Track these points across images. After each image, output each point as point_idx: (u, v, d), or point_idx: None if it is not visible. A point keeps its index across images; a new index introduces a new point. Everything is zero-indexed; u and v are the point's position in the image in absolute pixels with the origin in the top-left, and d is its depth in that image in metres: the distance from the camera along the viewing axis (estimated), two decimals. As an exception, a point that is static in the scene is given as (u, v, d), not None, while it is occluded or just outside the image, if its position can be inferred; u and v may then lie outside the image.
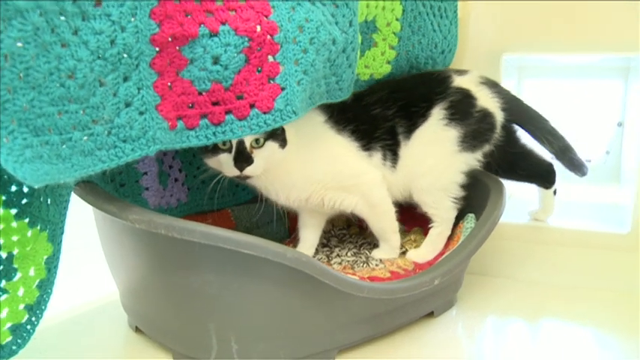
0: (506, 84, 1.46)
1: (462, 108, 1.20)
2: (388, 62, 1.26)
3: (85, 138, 0.74)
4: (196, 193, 1.29)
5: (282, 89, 0.91)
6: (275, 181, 1.11)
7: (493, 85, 1.25)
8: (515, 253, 1.41)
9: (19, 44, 0.65)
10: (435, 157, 1.20)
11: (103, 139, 0.76)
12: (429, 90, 1.22)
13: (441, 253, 1.22)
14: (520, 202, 1.50)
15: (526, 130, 1.27)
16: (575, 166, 1.25)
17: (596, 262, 1.34)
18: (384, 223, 1.21)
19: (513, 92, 1.36)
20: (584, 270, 1.35)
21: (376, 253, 1.24)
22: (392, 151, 1.19)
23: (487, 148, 1.23)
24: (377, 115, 1.18)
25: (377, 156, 1.18)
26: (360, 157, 1.16)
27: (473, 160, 1.22)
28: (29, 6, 0.65)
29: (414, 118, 1.19)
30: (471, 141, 1.20)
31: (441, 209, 1.23)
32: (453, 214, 1.24)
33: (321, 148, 1.13)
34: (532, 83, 1.61)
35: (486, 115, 1.21)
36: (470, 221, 1.22)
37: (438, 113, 1.19)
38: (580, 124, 1.59)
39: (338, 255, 1.24)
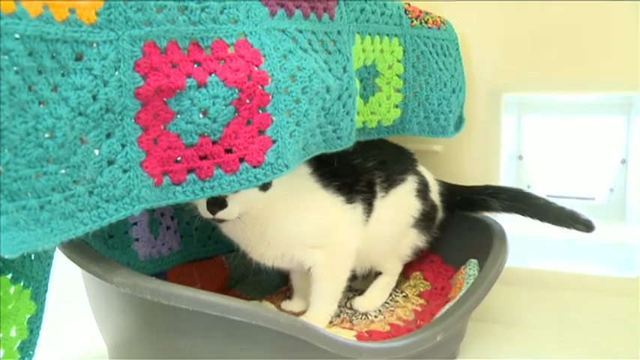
0: (507, 120, 1.44)
1: (424, 190, 1.26)
2: (396, 106, 1.23)
3: (65, 200, 0.70)
4: (189, 241, 1.24)
5: (273, 142, 0.87)
6: (252, 234, 1.07)
7: (442, 185, 1.32)
8: (520, 298, 1.36)
9: (-7, 105, 0.61)
10: (398, 224, 1.22)
11: (85, 199, 0.72)
12: (403, 157, 1.28)
13: (445, 301, 1.17)
14: (523, 242, 1.46)
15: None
16: None
17: (605, 307, 1.30)
18: (328, 289, 1.13)
19: (514, 128, 1.36)
20: (592, 316, 1.31)
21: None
22: (368, 204, 1.17)
23: (428, 237, 1.28)
24: (358, 166, 1.17)
25: (359, 208, 1.15)
26: (343, 212, 1.13)
27: (419, 239, 1.26)
28: (4, 64, 0.61)
29: (393, 175, 1.21)
30: (424, 220, 1.24)
31: (392, 265, 1.27)
32: (401, 267, 1.29)
33: (304, 201, 1.09)
34: (532, 119, 1.59)
35: (434, 207, 1.28)
36: (472, 268, 1.18)
37: (412, 181, 1.24)
38: (583, 161, 1.57)
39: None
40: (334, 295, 1.13)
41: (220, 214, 0.96)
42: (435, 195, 1.29)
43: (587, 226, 1.20)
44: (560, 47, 1.33)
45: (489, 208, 1.27)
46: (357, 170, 1.16)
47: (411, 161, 1.28)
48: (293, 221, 1.08)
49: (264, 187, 0.98)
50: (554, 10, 1.33)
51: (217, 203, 0.95)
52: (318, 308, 1.11)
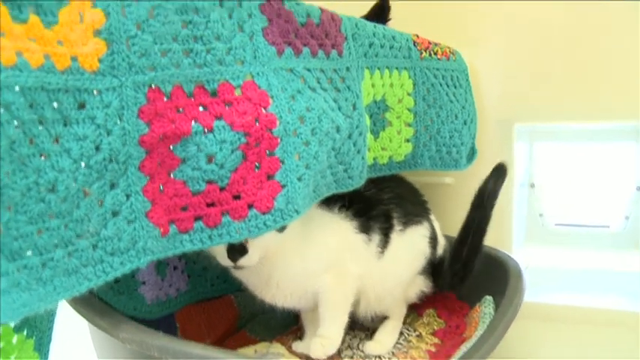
0: (518, 148, 1.42)
1: (434, 239, 1.23)
2: (407, 140, 1.20)
3: (69, 255, 0.67)
4: (197, 281, 1.21)
5: (283, 187, 0.84)
6: (262, 277, 1.04)
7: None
8: (536, 333, 1.33)
9: (-8, 163, 0.59)
10: (412, 265, 1.19)
11: (89, 254, 0.69)
12: (419, 200, 1.26)
13: (460, 341, 1.14)
14: (536, 274, 1.43)
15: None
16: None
17: (621, 341, 1.27)
18: (336, 306, 1.10)
19: (526, 156, 1.33)
20: (608, 350, 1.27)
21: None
22: (385, 234, 1.14)
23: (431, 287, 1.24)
24: (371, 197, 1.14)
25: (375, 240, 1.12)
26: (353, 243, 1.10)
27: (425, 285, 1.23)
28: (4, 119, 0.59)
29: (410, 214, 1.18)
30: (429, 268, 1.22)
31: (398, 309, 1.24)
32: (405, 311, 1.26)
33: (314, 234, 1.06)
34: (544, 147, 1.56)
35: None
36: (488, 305, 1.14)
37: (426, 227, 1.21)
38: (597, 189, 1.54)
39: (349, 346, 1.16)
40: (343, 309, 1.10)
41: (242, 262, 0.92)
42: (440, 249, 1.26)
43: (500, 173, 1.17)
44: (570, 77, 1.31)
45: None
46: (370, 201, 1.14)
47: (426, 209, 1.25)
48: (299, 260, 1.05)
49: (281, 227, 0.94)
50: (564, 40, 1.31)
51: (238, 250, 0.91)
52: (330, 326, 1.08)
